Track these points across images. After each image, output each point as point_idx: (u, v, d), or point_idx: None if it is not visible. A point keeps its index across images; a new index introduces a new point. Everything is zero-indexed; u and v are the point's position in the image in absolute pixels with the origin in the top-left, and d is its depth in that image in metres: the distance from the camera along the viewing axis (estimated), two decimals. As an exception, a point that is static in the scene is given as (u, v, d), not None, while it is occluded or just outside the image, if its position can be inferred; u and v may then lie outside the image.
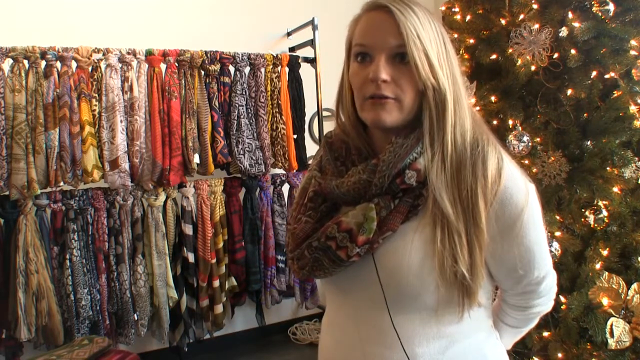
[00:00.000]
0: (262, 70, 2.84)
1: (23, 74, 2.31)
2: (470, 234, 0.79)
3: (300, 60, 2.99)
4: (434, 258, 0.79)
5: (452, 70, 0.83)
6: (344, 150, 0.92)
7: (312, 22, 3.08)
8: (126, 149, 2.50)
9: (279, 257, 2.97)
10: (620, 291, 1.79)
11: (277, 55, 2.89)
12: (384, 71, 0.79)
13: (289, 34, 3.33)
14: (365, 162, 0.85)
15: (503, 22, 2.03)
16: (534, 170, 1.89)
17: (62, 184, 2.39)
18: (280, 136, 2.88)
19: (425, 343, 0.83)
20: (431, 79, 0.79)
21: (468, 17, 2.12)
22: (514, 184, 0.82)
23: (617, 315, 1.79)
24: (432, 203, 0.80)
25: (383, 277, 0.82)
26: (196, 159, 2.67)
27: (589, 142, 1.88)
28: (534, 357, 1.91)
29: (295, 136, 2.98)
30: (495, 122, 2.01)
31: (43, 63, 2.36)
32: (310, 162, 3.14)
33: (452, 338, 0.85)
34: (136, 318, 2.57)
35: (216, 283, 2.73)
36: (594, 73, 1.87)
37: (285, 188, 3.02)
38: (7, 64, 2.31)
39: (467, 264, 0.79)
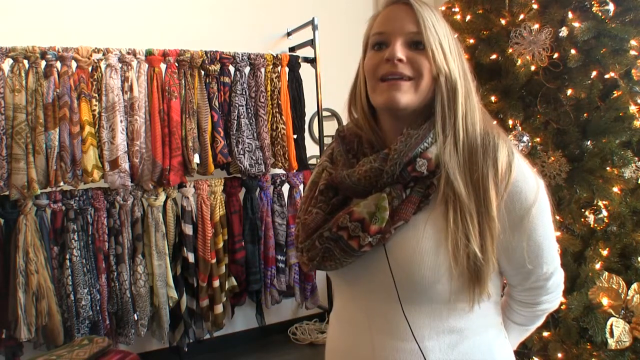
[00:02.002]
0: (262, 70, 2.84)
1: (23, 74, 2.31)
2: (481, 216, 0.80)
3: (300, 60, 2.99)
4: (447, 243, 0.80)
5: (463, 65, 0.87)
6: (355, 143, 0.93)
7: (312, 22, 3.08)
8: (126, 149, 2.50)
9: (279, 257, 2.97)
10: (620, 291, 1.79)
11: (277, 55, 2.89)
12: (400, 50, 0.82)
13: (289, 34, 3.33)
14: (376, 153, 0.87)
15: (503, 22, 2.03)
16: (534, 170, 1.89)
17: (62, 184, 2.39)
18: (280, 136, 2.88)
19: (436, 336, 0.84)
20: (445, 65, 0.83)
21: (468, 17, 2.12)
22: (524, 178, 0.84)
23: (617, 315, 1.79)
24: (445, 184, 0.81)
25: (394, 268, 0.82)
26: (196, 159, 2.67)
27: (589, 142, 1.88)
28: (534, 357, 1.91)
29: (295, 136, 2.99)
30: (495, 122, 2.01)
31: (43, 63, 2.36)
32: (310, 162, 3.16)
33: (462, 334, 0.85)
34: (136, 318, 2.57)
35: (216, 283, 2.73)
36: (594, 73, 1.86)
37: (285, 188, 3.02)
38: (7, 64, 2.32)
39: (478, 244, 0.79)
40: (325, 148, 1.04)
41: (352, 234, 0.81)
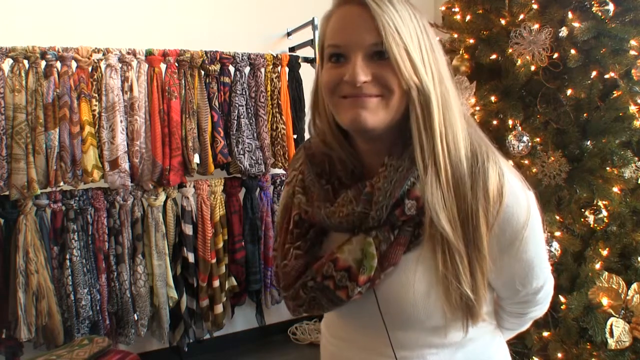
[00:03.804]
0: (262, 70, 2.84)
1: (23, 74, 2.31)
2: (471, 256, 0.75)
3: (300, 60, 2.99)
4: (438, 285, 0.75)
5: (438, 67, 0.74)
6: (327, 164, 0.82)
7: (312, 22, 3.08)
8: (126, 149, 2.50)
9: (279, 257, 2.96)
10: (620, 291, 1.79)
11: (277, 55, 2.89)
12: (361, 72, 0.70)
13: (289, 34, 3.33)
14: (355, 183, 0.77)
15: (503, 22, 2.03)
16: (534, 170, 1.89)
17: (62, 184, 2.39)
18: (280, 136, 2.88)
19: (432, 353, 0.83)
20: (414, 78, 0.70)
21: (468, 17, 2.12)
22: (515, 202, 0.76)
23: (617, 315, 1.79)
24: (430, 225, 0.73)
25: (386, 312, 0.79)
26: (196, 159, 2.67)
27: (588, 142, 1.88)
28: (533, 357, 1.91)
29: (295, 136, 2.99)
30: (495, 122, 2.01)
31: (43, 63, 2.36)
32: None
33: (458, 345, 0.84)
34: (136, 318, 2.57)
35: (216, 283, 2.73)
36: (593, 73, 1.86)
37: (285, 188, 3.02)
38: (7, 64, 2.31)
39: (470, 285, 0.75)
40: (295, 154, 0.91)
41: (339, 283, 0.75)
